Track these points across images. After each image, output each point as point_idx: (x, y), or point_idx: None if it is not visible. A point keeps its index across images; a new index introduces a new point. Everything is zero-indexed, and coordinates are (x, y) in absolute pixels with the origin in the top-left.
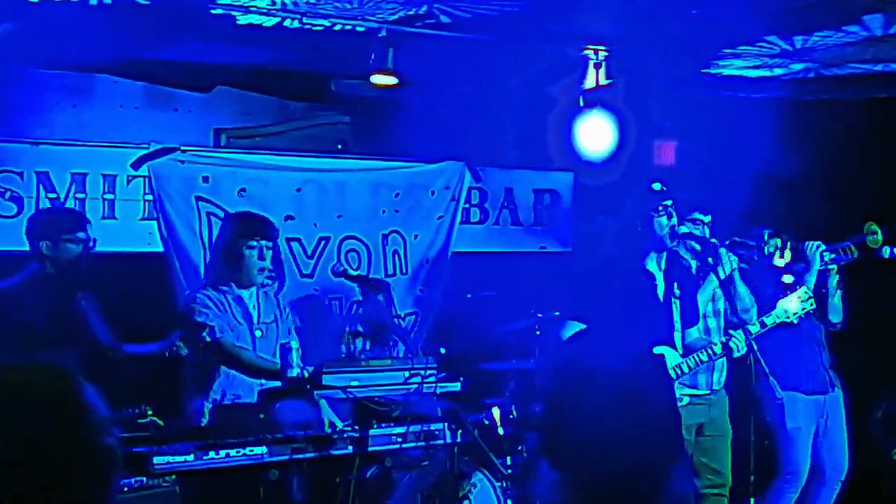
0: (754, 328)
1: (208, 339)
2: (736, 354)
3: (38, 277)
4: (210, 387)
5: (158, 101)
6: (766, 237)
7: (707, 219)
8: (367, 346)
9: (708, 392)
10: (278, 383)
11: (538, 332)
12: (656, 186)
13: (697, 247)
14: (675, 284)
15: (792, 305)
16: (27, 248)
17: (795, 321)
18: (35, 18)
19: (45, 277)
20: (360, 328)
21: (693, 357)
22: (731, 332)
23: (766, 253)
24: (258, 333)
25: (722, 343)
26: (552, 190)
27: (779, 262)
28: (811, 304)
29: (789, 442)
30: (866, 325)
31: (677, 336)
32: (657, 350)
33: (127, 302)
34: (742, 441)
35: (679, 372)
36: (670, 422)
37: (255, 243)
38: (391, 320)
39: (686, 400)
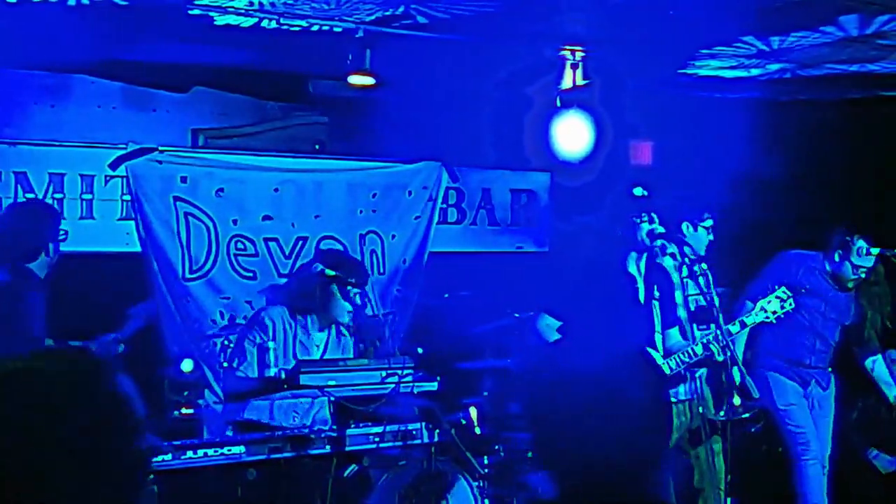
0: (734, 328)
1: (235, 364)
2: (718, 358)
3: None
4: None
5: (136, 102)
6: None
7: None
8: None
9: (691, 398)
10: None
11: (516, 333)
12: (638, 192)
13: (674, 248)
14: (655, 287)
15: (771, 305)
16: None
17: (774, 321)
18: (12, 19)
19: (40, 283)
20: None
21: (674, 358)
22: (711, 335)
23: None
24: (272, 345)
25: (703, 344)
26: (529, 190)
27: None
28: (790, 304)
29: (787, 417)
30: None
31: (658, 338)
32: None
33: (104, 301)
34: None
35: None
36: (659, 420)
37: (346, 286)
38: (369, 319)
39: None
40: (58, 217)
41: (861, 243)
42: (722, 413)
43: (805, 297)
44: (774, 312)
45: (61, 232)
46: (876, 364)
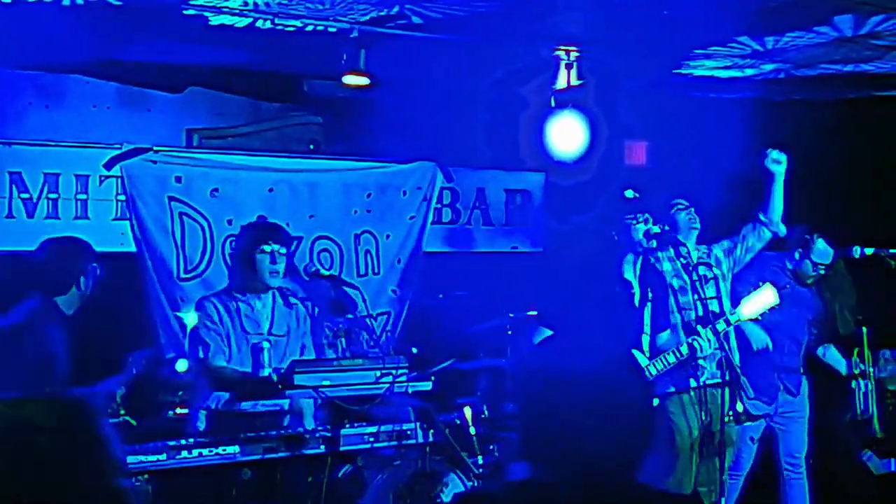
0: (721, 325)
1: (201, 355)
2: (700, 354)
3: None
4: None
5: (131, 102)
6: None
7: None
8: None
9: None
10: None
11: (510, 332)
12: (629, 194)
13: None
14: (649, 289)
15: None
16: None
17: (760, 318)
18: (7, 19)
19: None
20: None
21: (661, 359)
22: (698, 330)
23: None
24: (266, 345)
25: (688, 343)
26: (524, 190)
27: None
28: (775, 300)
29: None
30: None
31: (646, 339)
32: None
33: (99, 301)
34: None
35: (649, 373)
36: (642, 419)
37: (267, 248)
38: (363, 320)
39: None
40: (91, 253)
41: (820, 243)
42: (727, 419)
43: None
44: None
45: (94, 268)
46: (827, 351)
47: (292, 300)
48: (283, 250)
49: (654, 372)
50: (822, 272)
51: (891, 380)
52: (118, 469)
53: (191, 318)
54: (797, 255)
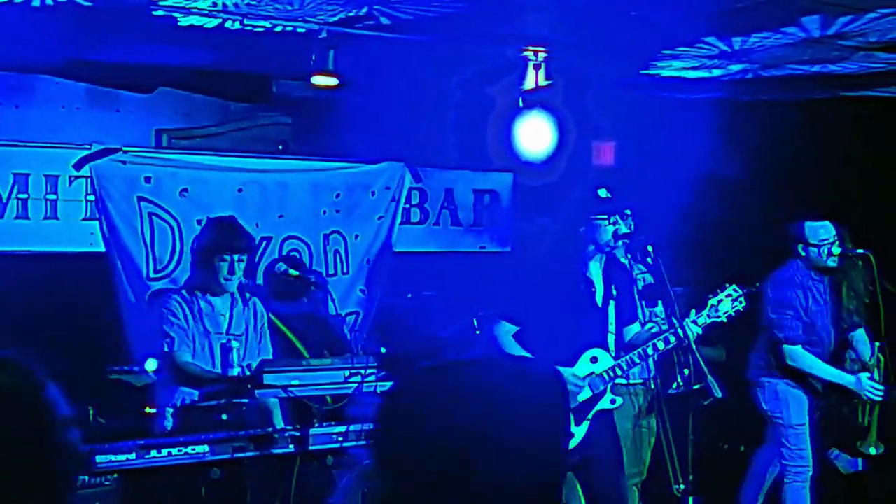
0: (702, 320)
1: (166, 349)
2: (692, 336)
3: None
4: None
5: (100, 102)
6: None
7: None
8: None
9: (645, 380)
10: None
11: (478, 332)
12: (602, 193)
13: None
14: (613, 287)
15: (723, 305)
16: None
17: (725, 320)
18: None
19: None
20: None
21: (640, 350)
22: (664, 335)
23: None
24: (235, 344)
25: (653, 345)
26: (492, 190)
27: None
28: (741, 303)
29: (795, 436)
30: None
31: (611, 338)
32: (590, 353)
33: (69, 301)
34: (681, 439)
35: (615, 373)
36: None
37: (227, 257)
38: (332, 319)
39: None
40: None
41: (810, 223)
42: (674, 387)
43: (807, 302)
44: (726, 312)
45: None
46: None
47: (255, 299)
48: (244, 257)
49: (624, 368)
50: (830, 245)
51: None
52: (64, 433)
53: (150, 365)
54: (801, 250)
